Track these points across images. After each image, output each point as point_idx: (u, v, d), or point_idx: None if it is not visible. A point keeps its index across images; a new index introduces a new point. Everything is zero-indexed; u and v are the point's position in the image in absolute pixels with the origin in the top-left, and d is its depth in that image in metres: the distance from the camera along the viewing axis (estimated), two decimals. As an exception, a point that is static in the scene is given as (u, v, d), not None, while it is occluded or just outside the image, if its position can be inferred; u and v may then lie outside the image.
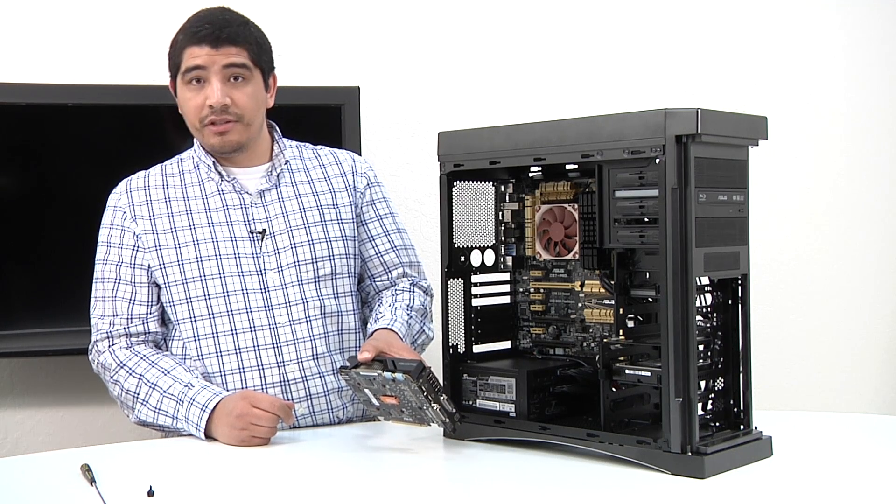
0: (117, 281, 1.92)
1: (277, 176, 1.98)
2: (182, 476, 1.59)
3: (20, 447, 2.47)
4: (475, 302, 1.80)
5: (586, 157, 1.57)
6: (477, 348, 1.80)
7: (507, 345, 1.85)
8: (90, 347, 1.95)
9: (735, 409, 1.61)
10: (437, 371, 1.73)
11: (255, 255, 1.91)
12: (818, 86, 2.97)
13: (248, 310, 1.89)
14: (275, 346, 1.89)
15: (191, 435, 1.81)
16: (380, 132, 2.67)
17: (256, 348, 1.89)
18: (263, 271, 1.91)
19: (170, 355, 1.92)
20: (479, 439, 1.70)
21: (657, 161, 1.48)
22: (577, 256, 1.72)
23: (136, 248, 1.92)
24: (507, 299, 1.84)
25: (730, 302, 1.61)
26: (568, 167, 1.74)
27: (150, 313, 1.93)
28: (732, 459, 1.51)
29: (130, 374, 1.87)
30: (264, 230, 1.93)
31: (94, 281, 1.96)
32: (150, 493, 1.40)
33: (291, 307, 1.91)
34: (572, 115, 1.60)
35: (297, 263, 1.93)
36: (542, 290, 1.80)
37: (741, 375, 1.60)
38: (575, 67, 2.80)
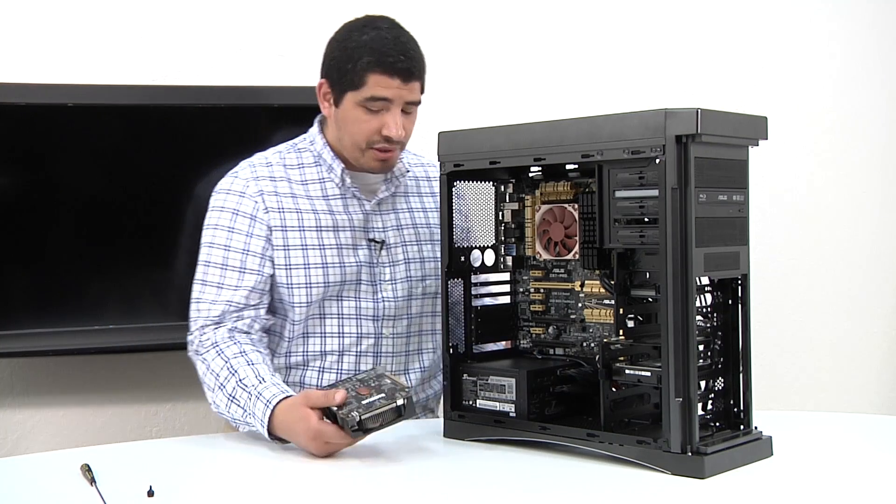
0: (243, 270, 1.85)
1: (395, 186, 1.95)
2: (182, 476, 1.59)
3: (20, 447, 2.47)
4: (475, 302, 1.80)
5: (586, 157, 1.57)
6: (477, 348, 1.81)
7: (507, 345, 1.85)
8: (193, 330, 1.86)
9: (735, 409, 1.61)
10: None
11: (371, 265, 1.90)
12: (817, 86, 2.97)
13: (358, 317, 1.89)
14: (375, 355, 1.91)
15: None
16: (380, 132, 2.66)
17: (358, 354, 1.90)
18: (378, 282, 1.90)
19: (261, 351, 1.84)
20: (479, 439, 1.70)
21: (657, 161, 1.48)
22: (577, 256, 1.72)
23: (266, 240, 1.86)
24: (507, 299, 1.84)
25: (730, 302, 1.61)
26: (568, 167, 1.74)
27: (263, 303, 1.87)
28: (732, 459, 1.51)
29: (220, 354, 1.79)
30: (383, 241, 1.91)
31: (206, 264, 1.87)
32: (150, 493, 1.40)
33: (398, 321, 1.91)
34: (572, 115, 1.60)
35: (409, 278, 1.93)
36: (542, 290, 1.80)
37: (741, 375, 1.60)
38: (575, 67, 2.80)
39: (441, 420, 1.77)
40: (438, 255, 1.94)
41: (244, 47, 2.56)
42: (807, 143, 2.96)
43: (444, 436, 1.74)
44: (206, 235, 1.90)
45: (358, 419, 1.56)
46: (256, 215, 1.87)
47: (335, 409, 1.59)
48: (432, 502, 1.45)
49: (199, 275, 1.89)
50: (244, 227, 1.87)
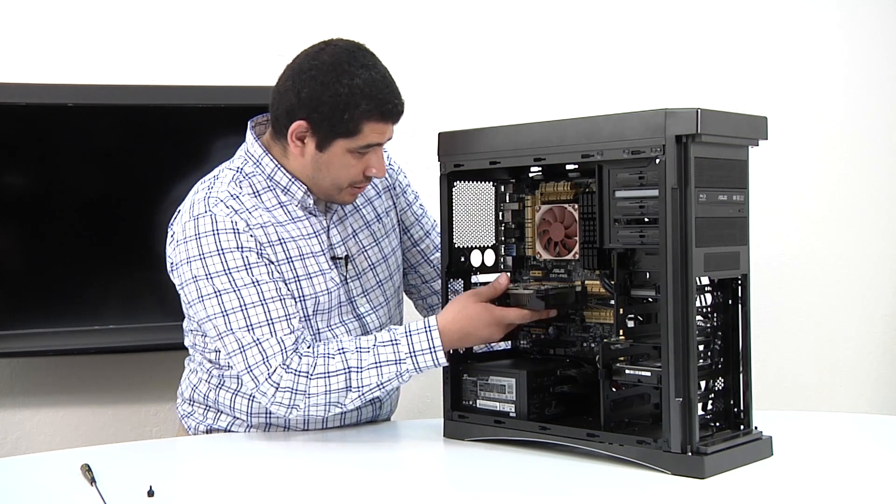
0: (280, 298, 1.72)
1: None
2: (182, 476, 1.59)
3: (20, 447, 2.47)
4: (475, 302, 1.80)
5: (586, 157, 1.57)
6: (477, 348, 1.80)
7: (507, 345, 1.85)
8: (270, 375, 1.69)
9: (735, 409, 1.61)
10: (437, 371, 1.74)
11: (343, 284, 1.83)
12: (818, 86, 2.97)
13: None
14: None
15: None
16: (380, 132, 2.66)
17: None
18: (353, 298, 1.84)
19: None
20: (479, 439, 1.70)
21: (657, 161, 1.48)
22: (577, 256, 1.72)
23: (275, 266, 1.75)
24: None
25: (730, 302, 1.61)
26: (568, 167, 1.74)
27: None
28: (732, 459, 1.51)
29: (328, 357, 1.70)
30: (346, 255, 1.84)
31: (241, 309, 1.69)
32: (150, 493, 1.40)
33: (384, 328, 1.86)
34: (572, 115, 1.60)
35: (380, 283, 1.89)
36: (542, 290, 1.80)
37: (741, 375, 1.61)
38: (575, 67, 2.80)
39: (441, 420, 1.77)
40: (394, 245, 1.93)
41: (244, 47, 2.55)
42: (807, 143, 2.96)
43: (445, 436, 1.74)
44: (216, 283, 1.71)
45: (540, 288, 1.68)
46: (259, 249, 1.73)
47: (511, 291, 1.71)
48: (432, 502, 1.45)
49: (237, 323, 1.70)
50: (257, 259, 1.73)
